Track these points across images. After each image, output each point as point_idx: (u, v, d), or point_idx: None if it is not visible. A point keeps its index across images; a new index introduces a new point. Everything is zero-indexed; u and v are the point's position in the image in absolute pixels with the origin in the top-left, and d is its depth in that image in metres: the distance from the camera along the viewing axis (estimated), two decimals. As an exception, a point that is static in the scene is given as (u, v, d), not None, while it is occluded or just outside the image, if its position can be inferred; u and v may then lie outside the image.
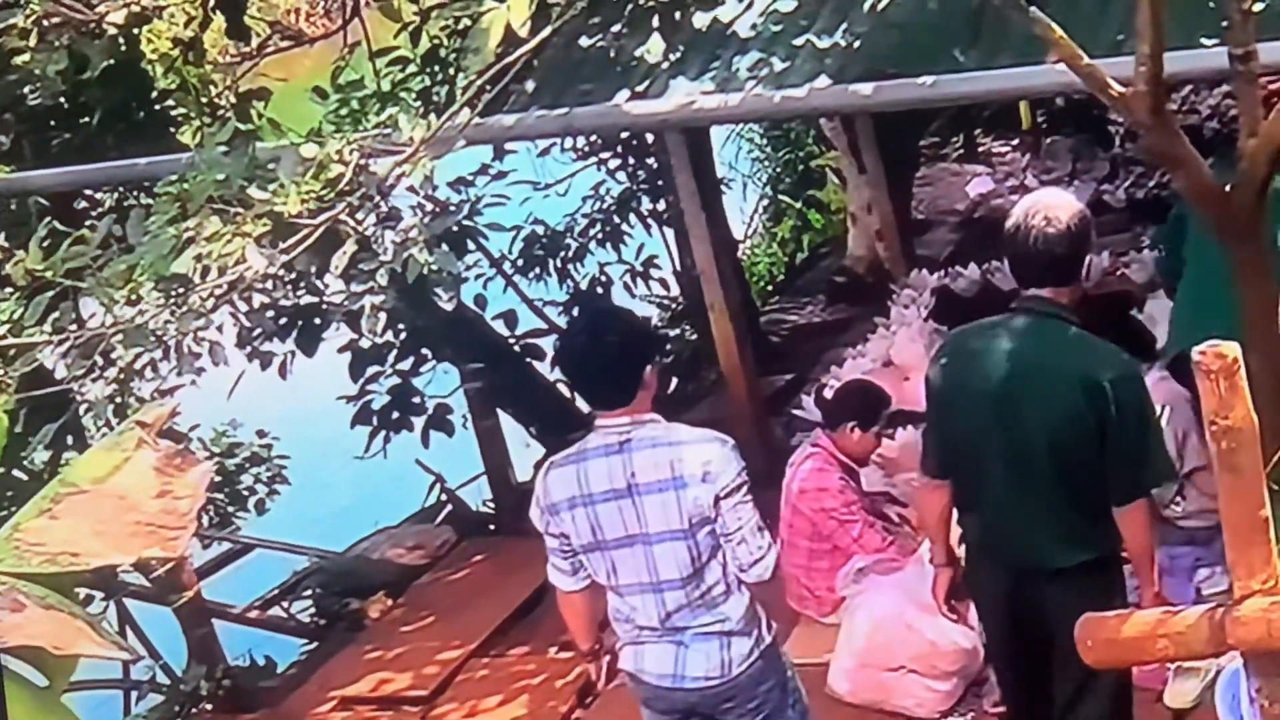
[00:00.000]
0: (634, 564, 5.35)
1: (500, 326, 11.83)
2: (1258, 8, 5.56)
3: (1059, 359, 5.43)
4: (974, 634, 7.12)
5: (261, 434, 12.28)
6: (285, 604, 10.76)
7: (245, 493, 11.98)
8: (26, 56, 7.24)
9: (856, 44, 7.82)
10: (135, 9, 7.00)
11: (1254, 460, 3.64)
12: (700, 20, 7.57)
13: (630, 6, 6.21)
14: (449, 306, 6.36)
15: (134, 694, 10.31)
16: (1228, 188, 5.81)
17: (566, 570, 5.57)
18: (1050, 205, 5.44)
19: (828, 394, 8.61)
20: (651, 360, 5.42)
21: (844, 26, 7.99)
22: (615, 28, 6.56)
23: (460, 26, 11.65)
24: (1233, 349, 3.65)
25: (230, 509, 12.00)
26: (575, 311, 11.95)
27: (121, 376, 5.76)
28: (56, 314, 5.98)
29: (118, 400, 6.11)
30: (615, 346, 5.41)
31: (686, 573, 5.31)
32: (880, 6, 5.55)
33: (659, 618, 5.42)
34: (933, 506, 5.82)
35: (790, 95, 8.00)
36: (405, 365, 11.24)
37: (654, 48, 7.73)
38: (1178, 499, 7.31)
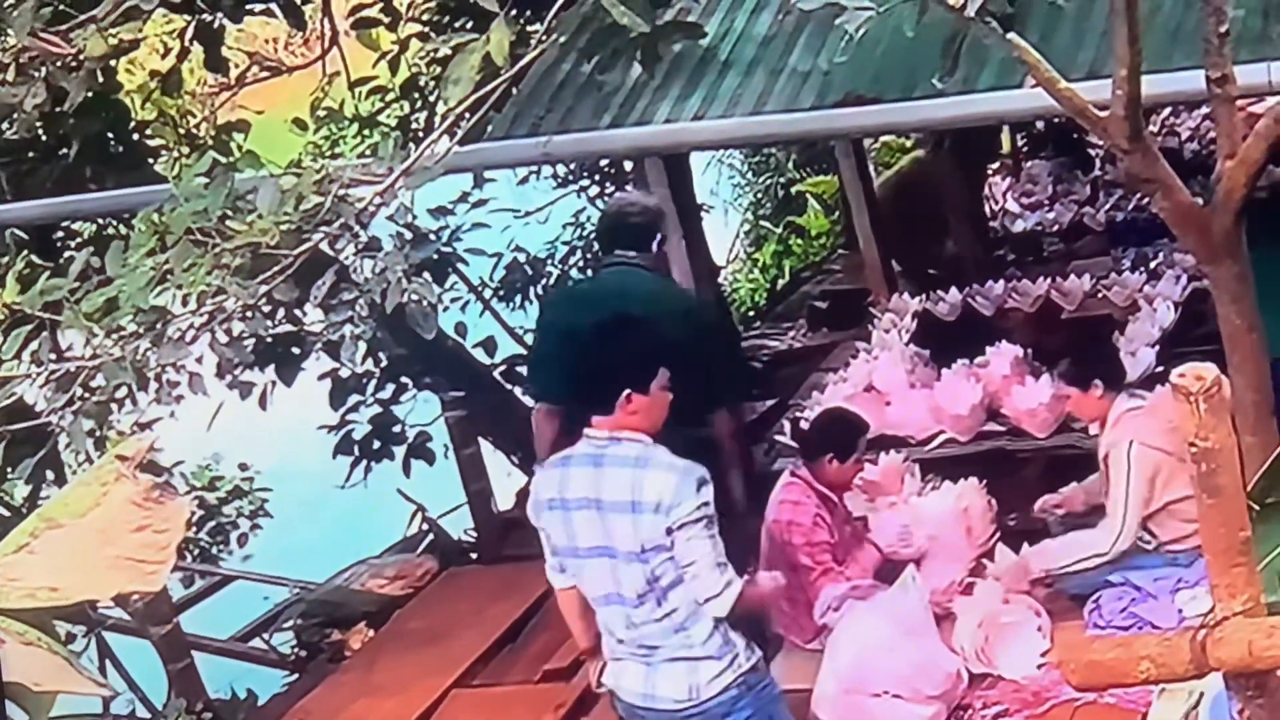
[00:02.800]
0: (601, 575, 5.46)
1: (480, 354, 11.82)
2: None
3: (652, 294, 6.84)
4: (956, 658, 7.12)
5: (244, 467, 12.25)
6: (266, 636, 10.67)
7: (228, 527, 11.95)
8: (3, 90, 7.21)
9: (836, 69, 7.83)
10: (113, 41, 6.98)
11: (1234, 482, 3.64)
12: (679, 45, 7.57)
13: (611, 38, 6.21)
14: (429, 336, 6.36)
15: (113, 728, 10.25)
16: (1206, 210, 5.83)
17: (556, 567, 5.68)
18: (631, 194, 7.39)
19: (804, 426, 8.51)
20: (642, 382, 5.41)
21: (823, 52, 8.01)
22: (595, 57, 6.58)
23: (440, 55, 11.69)
24: (1212, 370, 3.65)
25: (212, 545, 11.98)
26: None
27: (99, 410, 5.73)
28: (35, 346, 5.96)
29: (97, 433, 6.09)
30: (606, 356, 5.58)
31: (644, 593, 5.38)
32: (857, 33, 5.55)
33: (626, 631, 5.50)
34: (548, 429, 7.00)
35: (770, 120, 8.01)
36: (386, 394, 11.23)
37: (634, 76, 7.74)
38: (1145, 536, 7.32)
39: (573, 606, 5.76)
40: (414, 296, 5.79)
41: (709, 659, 5.45)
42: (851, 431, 7.71)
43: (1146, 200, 10.69)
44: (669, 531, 5.26)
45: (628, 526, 5.31)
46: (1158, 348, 8.69)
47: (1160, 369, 8.18)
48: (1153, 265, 10.28)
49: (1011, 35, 5.47)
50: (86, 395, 5.93)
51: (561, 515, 5.46)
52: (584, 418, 5.50)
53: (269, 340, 9.54)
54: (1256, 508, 4.01)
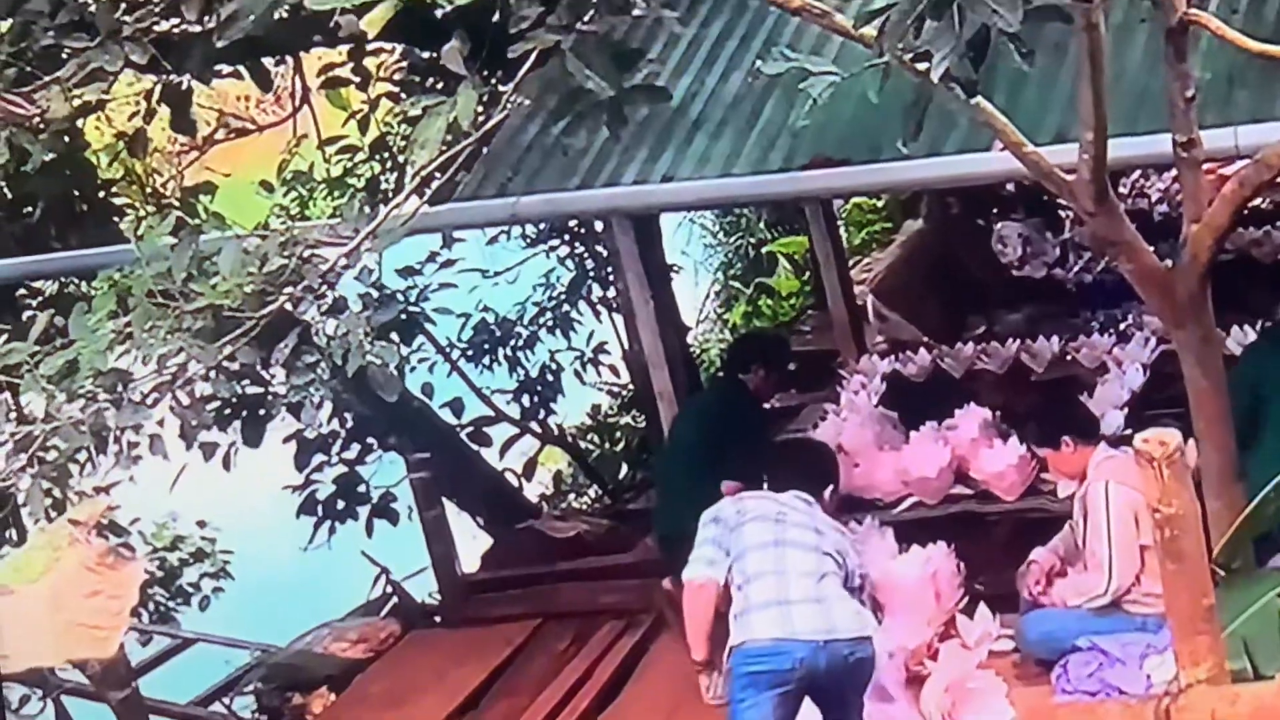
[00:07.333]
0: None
1: (447, 415, 11.77)
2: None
3: None
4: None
5: (202, 524, 12.17)
6: (227, 700, 10.53)
7: (189, 589, 11.86)
8: (-36, 151, 7.15)
9: (805, 131, 7.83)
10: (78, 103, 6.96)
11: (1197, 547, 3.63)
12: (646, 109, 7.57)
13: (577, 101, 6.21)
14: (391, 399, 6.34)
15: (70, 796, 10.10)
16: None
17: (707, 559, 6.67)
18: None
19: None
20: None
21: (791, 113, 8.01)
22: (562, 121, 6.57)
23: (411, 114, 11.67)
24: (1174, 436, 3.64)
25: (171, 606, 11.87)
26: None
27: (57, 473, 5.67)
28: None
29: (55, 495, 6.03)
30: None
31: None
32: (821, 97, 5.57)
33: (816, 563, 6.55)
34: None
35: (739, 182, 8.01)
36: (351, 454, 11.16)
37: (602, 136, 7.73)
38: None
39: (707, 605, 6.57)
40: (376, 359, 5.75)
41: (862, 603, 6.60)
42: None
43: (1115, 262, 10.70)
44: None
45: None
46: (1127, 410, 8.66)
47: (1129, 431, 8.15)
48: (1122, 327, 10.27)
49: (978, 99, 5.48)
50: (46, 459, 5.86)
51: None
52: None
53: (233, 401, 9.47)
54: (1222, 573, 4.00)
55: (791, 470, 7.12)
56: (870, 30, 4.90)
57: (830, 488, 7.23)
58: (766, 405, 9.20)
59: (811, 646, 6.22)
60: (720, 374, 9.23)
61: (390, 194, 12.07)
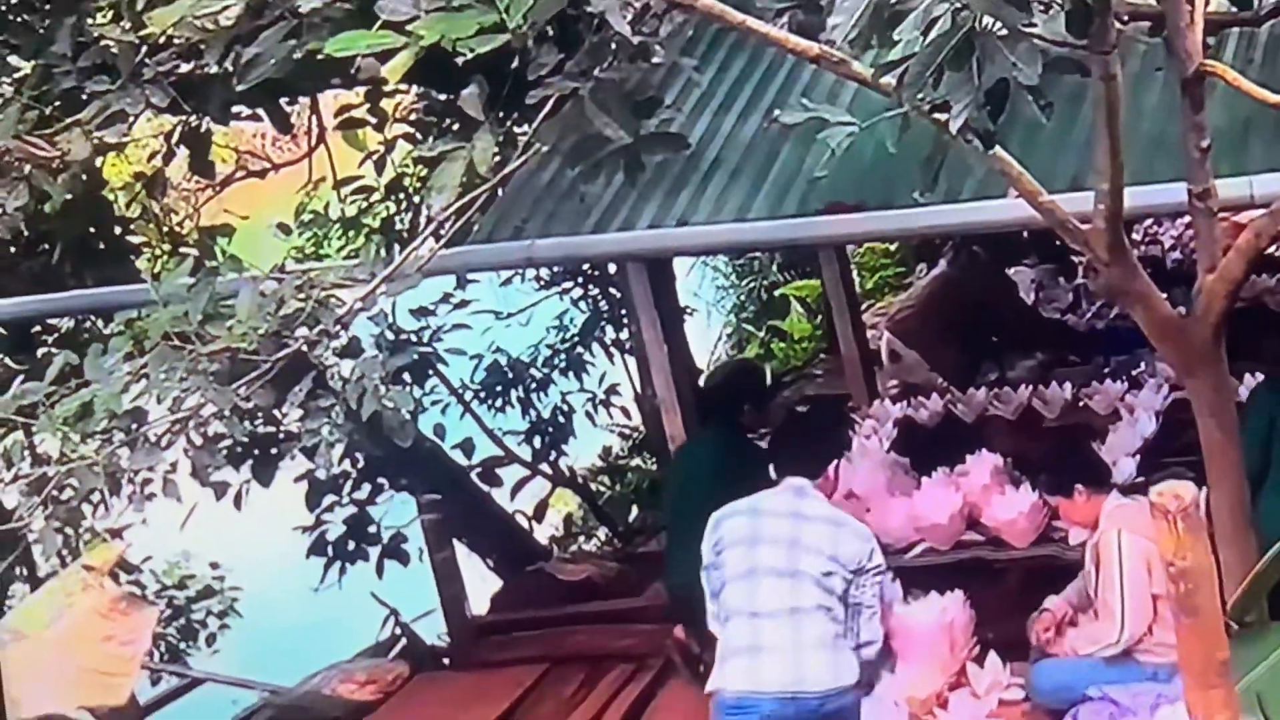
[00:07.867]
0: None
1: (459, 456, 11.76)
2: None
3: None
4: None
5: (214, 565, 12.15)
6: (234, 741, 10.53)
7: (197, 626, 11.84)
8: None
9: (820, 177, 7.84)
10: (97, 144, 7.00)
11: (1212, 602, 3.62)
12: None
13: (594, 147, 6.23)
14: (405, 444, 6.35)
15: (75, 837, 10.04)
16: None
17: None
18: None
19: None
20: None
21: (808, 157, 8.02)
22: (578, 164, 6.59)
23: (427, 156, 11.68)
24: (1189, 489, 3.63)
25: (181, 644, 11.85)
26: None
27: (70, 514, 5.68)
28: (7, 446, 5.93)
29: (68, 536, 6.04)
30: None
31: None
32: (840, 148, 5.58)
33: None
34: None
35: (754, 227, 8.02)
36: (362, 494, 11.16)
37: (618, 179, 7.75)
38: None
39: None
40: (390, 404, 5.76)
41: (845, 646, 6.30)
42: None
43: (1128, 310, 10.66)
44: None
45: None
46: (1139, 457, 8.65)
47: (1141, 479, 8.14)
48: (1135, 374, 10.26)
49: (994, 149, 5.48)
50: (60, 500, 5.88)
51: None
52: None
53: (245, 441, 9.48)
54: (1235, 626, 3.99)
55: (791, 452, 6.97)
56: (889, 79, 4.91)
57: (836, 462, 7.12)
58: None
59: (778, 702, 6.16)
60: (711, 421, 9.03)
61: (405, 235, 12.11)
